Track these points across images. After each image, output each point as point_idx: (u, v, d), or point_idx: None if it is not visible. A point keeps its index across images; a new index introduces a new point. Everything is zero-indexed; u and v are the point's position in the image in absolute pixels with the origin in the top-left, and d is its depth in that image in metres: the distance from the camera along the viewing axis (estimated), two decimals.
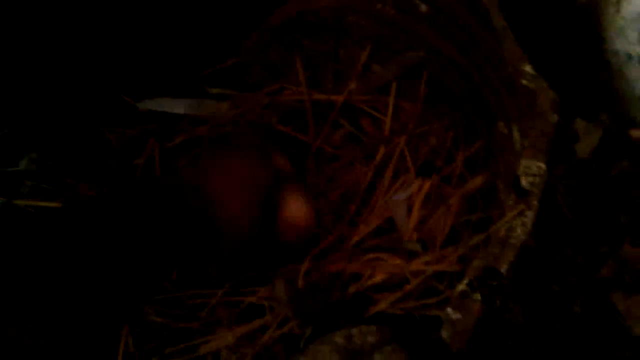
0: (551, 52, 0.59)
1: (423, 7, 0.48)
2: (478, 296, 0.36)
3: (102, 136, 0.54)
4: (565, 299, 0.52)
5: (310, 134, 0.56)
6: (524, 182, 0.38)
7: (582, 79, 0.61)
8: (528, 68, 0.40)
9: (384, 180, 0.53)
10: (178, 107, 0.55)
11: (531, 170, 0.38)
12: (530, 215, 0.37)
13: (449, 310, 0.37)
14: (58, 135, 0.56)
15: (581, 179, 0.58)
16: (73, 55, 0.54)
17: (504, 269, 0.36)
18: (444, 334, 0.38)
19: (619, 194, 0.56)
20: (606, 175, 0.58)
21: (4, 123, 0.55)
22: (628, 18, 0.55)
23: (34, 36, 0.51)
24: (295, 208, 0.47)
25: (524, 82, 0.39)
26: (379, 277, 0.46)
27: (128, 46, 0.55)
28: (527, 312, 0.52)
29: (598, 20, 0.58)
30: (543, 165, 0.37)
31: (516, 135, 0.41)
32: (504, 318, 0.51)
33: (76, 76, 0.54)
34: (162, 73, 0.57)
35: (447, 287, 0.46)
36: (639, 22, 0.55)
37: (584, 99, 0.61)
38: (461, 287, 0.37)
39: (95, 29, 0.53)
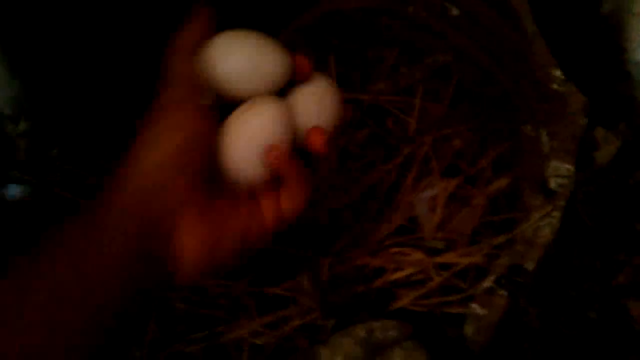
0: (573, 61, 0.60)
1: (454, 11, 0.49)
2: (504, 292, 0.37)
3: (134, 127, 0.55)
4: (581, 304, 0.52)
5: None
6: (552, 183, 0.38)
7: (603, 89, 0.61)
8: (558, 73, 0.41)
9: (407, 180, 0.53)
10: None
11: (560, 171, 0.38)
12: (557, 215, 0.38)
13: (475, 305, 0.38)
14: (88, 126, 0.56)
15: (600, 186, 0.58)
16: (105, 50, 0.54)
17: (530, 266, 0.37)
18: (468, 329, 0.39)
19: (636, 203, 0.57)
20: (624, 184, 0.58)
21: (32, 114, 0.56)
22: None
23: (71, 33, 0.52)
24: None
25: (555, 86, 0.40)
26: (402, 273, 0.47)
27: (160, 41, 0.56)
28: (543, 315, 0.52)
29: (620, 32, 0.58)
30: (571, 167, 0.38)
31: (544, 137, 0.42)
32: (521, 320, 0.52)
33: (108, 71, 0.55)
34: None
35: (469, 286, 0.46)
36: None
37: (604, 108, 0.61)
38: (487, 283, 0.38)
39: (135, 30, 0.54)
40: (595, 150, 0.60)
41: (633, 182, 0.59)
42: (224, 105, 0.38)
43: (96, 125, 0.56)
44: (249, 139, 0.36)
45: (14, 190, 0.55)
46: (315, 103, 0.40)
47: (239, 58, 0.37)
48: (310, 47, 0.58)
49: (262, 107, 0.37)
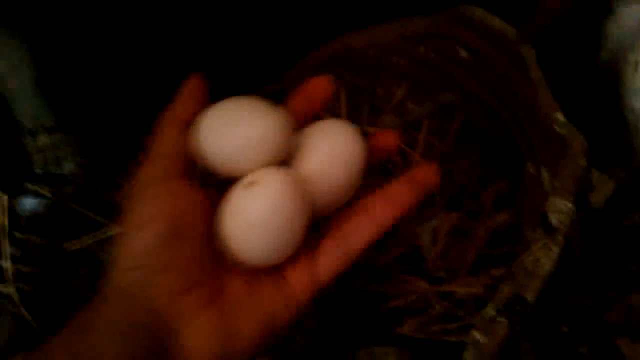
0: (573, 106, 0.62)
1: (464, 53, 0.52)
2: (505, 321, 0.39)
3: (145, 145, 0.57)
4: (573, 340, 0.53)
5: None
6: (552, 219, 0.40)
7: (599, 133, 0.63)
8: (560, 116, 0.43)
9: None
10: None
11: (559, 207, 0.40)
12: (555, 249, 0.40)
13: (476, 333, 0.39)
14: (107, 143, 0.58)
15: (594, 227, 0.60)
16: (127, 67, 0.56)
17: (530, 297, 0.38)
18: (468, 356, 0.40)
19: (630, 244, 0.58)
20: (618, 226, 0.60)
21: (51, 127, 0.57)
22: None
23: (93, 50, 0.54)
24: None
25: (557, 128, 0.42)
26: (404, 300, 0.48)
27: (178, 63, 0.57)
28: (536, 349, 0.53)
29: (617, 79, 0.60)
30: (571, 205, 0.40)
31: (545, 176, 0.44)
32: (515, 354, 0.53)
33: (129, 87, 0.57)
34: (207, 90, 0.59)
35: (467, 314, 0.48)
36: None
37: (600, 152, 0.63)
38: (490, 311, 0.39)
39: (152, 46, 0.56)
40: (591, 191, 0.62)
41: (627, 223, 0.60)
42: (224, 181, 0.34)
43: (112, 142, 0.58)
44: (258, 220, 0.32)
45: (29, 204, 0.56)
46: (330, 151, 0.35)
47: (232, 132, 0.33)
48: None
49: (268, 184, 0.32)
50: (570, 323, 0.54)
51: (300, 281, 0.34)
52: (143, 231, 0.31)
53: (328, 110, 0.59)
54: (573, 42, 0.63)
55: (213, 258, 0.33)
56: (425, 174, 0.37)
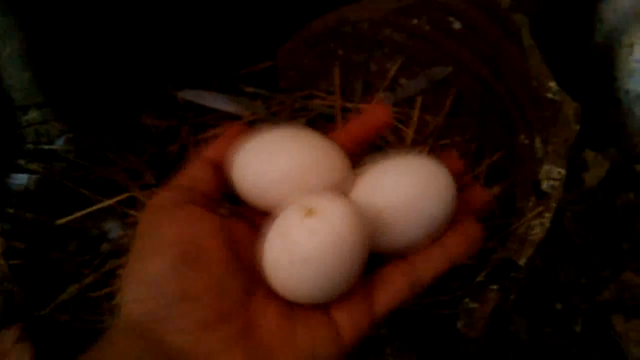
0: (566, 88, 0.62)
1: (457, 25, 0.51)
2: (495, 286, 0.38)
3: (141, 121, 0.57)
4: (567, 317, 0.53)
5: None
6: (544, 185, 0.40)
7: (593, 113, 0.63)
8: (552, 83, 0.43)
9: None
10: (216, 101, 0.57)
11: (552, 174, 0.40)
12: (548, 216, 0.40)
13: (467, 300, 0.39)
14: (97, 118, 0.57)
15: (588, 206, 0.60)
16: (120, 42, 0.56)
17: (522, 262, 0.38)
18: (460, 324, 0.40)
19: (623, 223, 0.58)
20: (611, 205, 0.60)
21: (42, 102, 0.56)
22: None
23: (86, 19, 0.53)
24: None
25: (549, 95, 0.42)
26: None
27: (173, 39, 0.57)
28: (530, 326, 0.53)
29: (612, 61, 0.60)
30: (563, 171, 0.40)
31: (538, 144, 0.44)
32: (508, 330, 0.53)
33: (121, 62, 0.56)
34: (202, 68, 0.59)
35: (461, 287, 0.48)
36: None
37: (594, 132, 0.63)
38: (479, 277, 0.39)
39: (143, 19, 0.55)
40: (585, 171, 0.62)
41: (620, 203, 0.60)
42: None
43: (103, 117, 0.57)
44: (317, 255, 0.28)
45: (20, 180, 0.56)
46: (418, 185, 0.31)
47: (272, 161, 0.31)
48: (315, 55, 0.60)
49: (331, 213, 0.28)
50: (563, 300, 0.54)
51: (350, 318, 0.30)
52: (154, 258, 0.28)
53: (319, 87, 0.59)
54: (568, 25, 0.63)
55: (241, 289, 0.29)
56: (479, 200, 0.34)
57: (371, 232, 0.30)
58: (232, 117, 0.58)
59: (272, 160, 0.31)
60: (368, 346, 0.47)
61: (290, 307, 0.30)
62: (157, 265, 0.28)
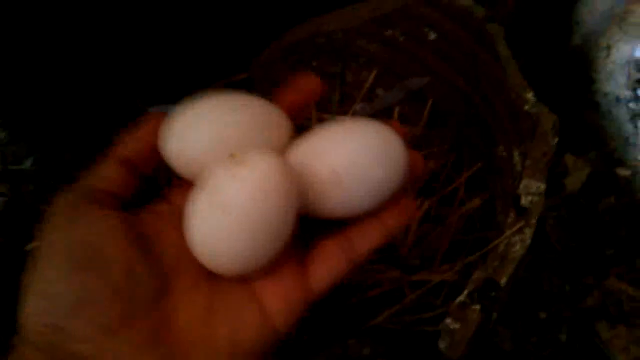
0: (544, 92, 0.62)
1: (431, 35, 0.51)
2: (477, 307, 0.38)
3: (111, 139, 0.55)
4: (551, 326, 0.53)
5: None
6: (523, 200, 0.39)
7: (573, 117, 0.63)
8: (530, 95, 0.42)
9: None
10: None
11: (531, 189, 0.39)
12: (528, 232, 0.39)
13: (448, 320, 0.38)
14: (66, 137, 0.56)
15: (569, 212, 0.60)
16: (86, 58, 0.54)
17: (503, 281, 0.37)
18: (442, 344, 0.39)
19: (605, 228, 0.58)
20: (593, 210, 0.60)
21: (9, 122, 0.55)
22: (617, 63, 0.57)
23: (47, 36, 0.52)
24: None
25: (527, 107, 0.41)
26: (378, 290, 0.47)
27: (144, 53, 0.56)
28: (515, 337, 0.53)
29: (589, 63, 0.60)
30: (542, 185, 0.39)
31: (516, 157, 0.43)
32: (493, 341, 0.52)
33: (88, 79, 0.55)
34: (175, 82, 0.58)
35: (443, 303, 0.47)
36: (627, 68, 0.57)
37: (574, 136, 0.63)
38: (461, 297, 0.38)
39: (112, 33, 0.54)
40: (566, 176, 0.62)
41: (602, 208, 0.60)
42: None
43: (71, 136, 0.56)
44: (238, 208, 0.26)
45: None
46: (365, 149, 0.29)
47: (203, 129, 0.29)
48: (290, 66, 0.59)
49: (256, 164, 0.27)
50: (547, 309, 0.53)
51: (281, 298, 0.29)
52: (47, 268, 0.26)
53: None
54: (545, 27, 0.63)
55: (151, 288, 0.28)
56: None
57: (304, 193, 0.28)
58: None
59: (206, 128, 0.29)
60: None
61: (209, 299, 0.29)
62: (50, 275, 0.26)
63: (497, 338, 0.53)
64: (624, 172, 0.62)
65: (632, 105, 0.57)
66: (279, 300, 0.28)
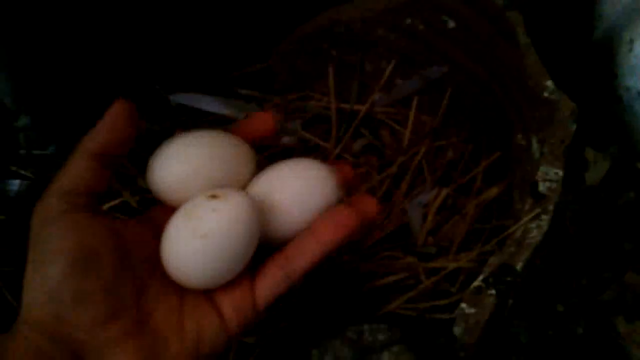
0: (566, 85, 0.61)
1: (451, 23, 0.51)
2: (492, 291, 0.38)
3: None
4: (568, 319, 0.53)
5: (332, 141, 0.58)
6: (541, 187, 0.39)
7: (594, 111, 0.63)
8: (549, 82, 0.42)
9: (400, 189, 0.54)
10: (209, 104, 0.57)
11: (549, 176, 0.39)
12: (545, 219, 0.39)
13: (463, 305, 0.38)
14: (88, 123, 0.57)
15: (589, 206, 0.59)
16: (108, 45, 0.55)
17: (519, 266, 0.37)
18: (457, 330, 0.39)
19: (625, 222, 0.57)
20: (613, 204, 0.59)
21: (32, 109, 0.56)
22: None
23: (69, 24, 0.52)
24: None
25: (546, 94, 0.41)
26: (393, 277, 0.48)
27: (164, 41, 0.56)
28: (531, 329, 0.52)
29: (612, 57, 0.59)
30: (560, 172, 0.39)
31: (535, 145, 0.43)
32: (509, 333, 0.52)
33: (110, 66, 0.56)
34: (195, 70, 0.59)
35: (459, 291, 0.47)
36: None
37: (595, 130, 0.63)
38: (476, 282, 0.38)
39: (134, 22, 0.55)
40: (586, 170, 0.62)
41: (622, 202, 0.60)
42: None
43: (92, 122, 0.57)
44: (214, 234, 0.32)
45: (12, 186, 0.55)
46: (304, 186, 0.36)
47: (180, 163, 0.35)
48: (309, 56, 0.60)
49: (232, 199, 0.33)
50: (565, 302, 0.53)
51: (234, 306, 0.34)
52: (50, 266, 0.31)
53: (314, 88, 0.59)
54: (567, 21, 0.63)
55: (132, 288, 0.33)
56: (367, 206, 0.37)
57: (263, 223, 0.34)
58: (226, 120, 0.58)
59: (186, 160, 0.34)
60: (366, 351, 0.46)
61: (180, 299, 0.34)
62: (52, 273, 0.30)
63: (514, 329, 0.52)
64: None
65: None
66: (233, 309, 0.34)
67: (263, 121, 0.38)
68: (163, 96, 0.57)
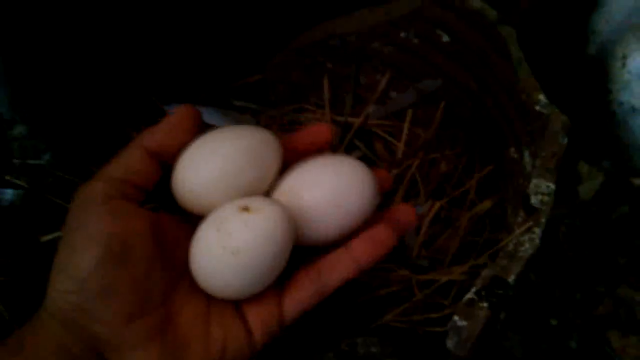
0: (559, 100, 0.62)
1: (445, 38, 0.51)
2: (485, 304, 0.37)
3: (128, 136, 0.56)
4: (562, 333, 0.53)
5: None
6: (533, 200, 0.39)
7: (587, 126, 0.63)
8: (541, 96, 0.42)
9: (394, 201, 0.54)
10: (204, 115, 0.57)
11: (540, 189, 0.39)
12: (538, 232, 0.39)
13: (456, 317, 0.38)
14: (83, 134, 0.57)
15: (583, 220, 0.59)
16: (105, 55, 0.55)
17: (511, 279, 0.37)
18: (449, 343, 0.39)
19: (618, 236, 0.58)
20: (607, 218, 0.59)
21: (28, 117, 0.56)
22: (633, 73, 0.57)
23: (66, 33, 0.53)
24: None
25: (538, 108, 0.41)
26: (385, 290, 0.47)
27: (161, 52, 0.57)
28: (525, 343, 0.52)
29: (605, 73, 0.60)
30: (552, 185, 0.39)
31: (527, 158, 0.43)
32: (503, 347, 0.52)
33: (106, 76, 0.56)
34: (191, 82, 0.59)
35: (452, 304, 0.47)
36: None
37: (588, 144, 0.63)
38: (469, 295, 0.38)
39: (130, 32, 0.55)
40: (580, 184, 0.62)
41: (615, 216, 0.60)
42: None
43: (88, 132, 0.57)
44: (248, 248, 0.31)
45: (6, 195, 0.55)
46: (340, 185, 0.33)
47: (209, 168, 0.32)
48: (304, 68, 0.60)
49: (267, 213, 0.31)
50: (559, 316, 0.53)
51: (261, 319, 0.33)
52: (81, 253, 0.29)
53: (309, 100, 0.59)
54: (560, 36, 0.63)
55: (163, 286, 0.32)
56: (405, 215, 0.37)
57: (296, 232, 0.32)
58: None
59: (208, 165, 0.32)
60: None
61: (207, 305, 0.33)
62: (84, 261, 0.29)
63: (507, 343, 0.52)
64: (638, 181, 0.62)
65: None
66: (259, 320, 0.33)
67: (321, 132, 0.37)
68: (159, 107, 0.58)
